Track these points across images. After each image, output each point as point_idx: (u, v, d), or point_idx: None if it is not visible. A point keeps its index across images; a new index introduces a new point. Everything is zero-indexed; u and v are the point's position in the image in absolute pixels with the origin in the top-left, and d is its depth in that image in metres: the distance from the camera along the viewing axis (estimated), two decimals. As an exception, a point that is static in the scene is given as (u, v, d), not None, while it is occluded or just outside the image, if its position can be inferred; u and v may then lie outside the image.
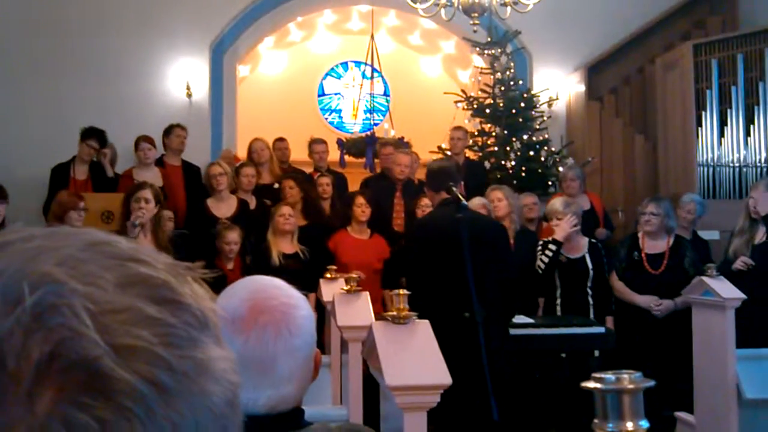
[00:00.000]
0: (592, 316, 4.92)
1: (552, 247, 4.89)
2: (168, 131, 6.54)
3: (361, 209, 5.60)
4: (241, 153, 7.24)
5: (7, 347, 0.40)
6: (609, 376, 0.70)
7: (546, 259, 4.90)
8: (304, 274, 4.91)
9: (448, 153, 7.51)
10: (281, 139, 6.95)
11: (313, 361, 1.40)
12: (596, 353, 4.70)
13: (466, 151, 7.34)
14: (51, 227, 0.49)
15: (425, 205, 5.50)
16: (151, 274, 0.47)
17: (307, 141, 7.08)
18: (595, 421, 0.71)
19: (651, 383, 0.71)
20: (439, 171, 4.02)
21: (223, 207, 5.77)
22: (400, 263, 4.19)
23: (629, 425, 0.69)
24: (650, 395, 0.73)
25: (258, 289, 1.37)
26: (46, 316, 0.41)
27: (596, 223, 6.25)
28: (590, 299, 4.96)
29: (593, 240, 5.21)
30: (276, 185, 6.27)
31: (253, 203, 6.00)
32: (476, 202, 4.97)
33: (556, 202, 5.15)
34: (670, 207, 5.28)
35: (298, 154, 7.52)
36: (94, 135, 6.25)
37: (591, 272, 4.94)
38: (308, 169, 6.81)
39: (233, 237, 5.27)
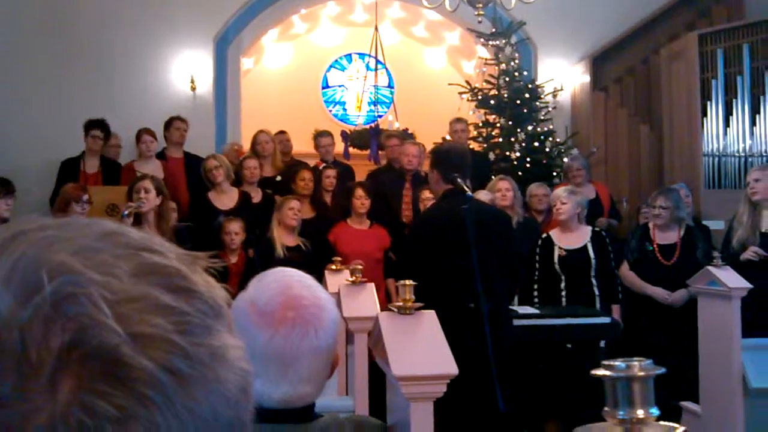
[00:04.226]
0: (598, 305, 4.91)
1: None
2: (168, 124, 6.57)
3: (360, 201, 5.56)
4: (246, 145, 7.23)
5: (28, 337, 0.40)
6: (619, 363, 0.70)
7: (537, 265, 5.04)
8: (307, 266, 4.91)
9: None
10: (282, 132, 6.96)
11: (331, 362, 1.42)
12: (602, 344, 4.70)
13: (471, 142, 7.33)
14: (63, 218, 0.49)
15: (427, 198, 5.47)
16: (165, 264, 0.47)
17: (311, 133, 7.08)
18: (606, 408, 0.71)
19: (662, 370, 0.71)
20: (451, 160, 3.85)
21: (225, 199, 5.74)
22: (403, 255, 4.20)
23: (640, 413, 0.70)
24: (658, 385, 0.73)
25: (291, 285, 1.37)
26: (65, 305, 0.41)
27: (601, 213, 6.24)
28: (596, 289, 4.95)
29: (596, 229, 5.20)
30: (278, 178, 6.26)
31: (258, 196, 5.98)
32: (482, 196, 4.97)
33: (560, 190, 5.23)
34: (679, 198, 5.26)
35: (302, 146, 7.52)
36: (96, 126, 6.29)
37: (594, 261, 4.93)
38: (311, 162, 6.80)
39: (234, 228, 5.29)
